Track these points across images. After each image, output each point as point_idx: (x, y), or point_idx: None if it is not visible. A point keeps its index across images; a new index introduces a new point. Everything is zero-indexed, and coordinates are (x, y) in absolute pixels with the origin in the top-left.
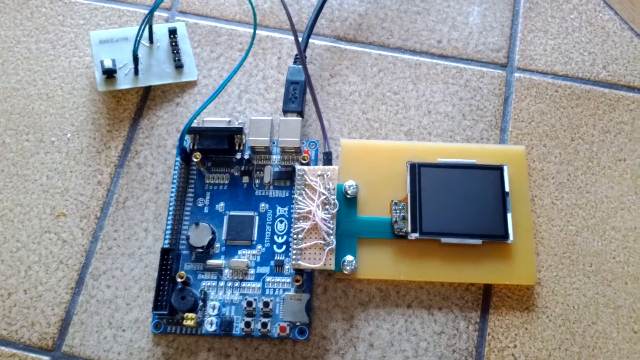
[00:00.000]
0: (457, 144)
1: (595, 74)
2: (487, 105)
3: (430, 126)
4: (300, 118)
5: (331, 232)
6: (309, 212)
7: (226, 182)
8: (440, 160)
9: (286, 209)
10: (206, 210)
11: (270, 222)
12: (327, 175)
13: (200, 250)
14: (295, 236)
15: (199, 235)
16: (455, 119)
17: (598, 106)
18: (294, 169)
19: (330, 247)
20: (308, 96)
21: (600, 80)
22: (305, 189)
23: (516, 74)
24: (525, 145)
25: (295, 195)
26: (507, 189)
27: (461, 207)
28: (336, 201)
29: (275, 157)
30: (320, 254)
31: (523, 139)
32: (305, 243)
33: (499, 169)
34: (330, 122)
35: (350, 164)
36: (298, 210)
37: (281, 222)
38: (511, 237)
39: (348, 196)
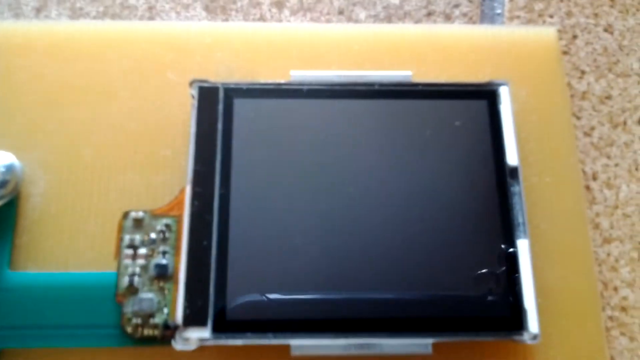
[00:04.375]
0: (355, 26)
1: None
2: None
3: None
4: None
5: None
6: None
7: None
8: (298, 76)
9: None
10: None
11: None
12: None
13: None
14: None
15: None
16: None
17: None
18: None
19: None
20: None
21: None
22: None
23: None
24: (558, 26)
25: None
26: (511, 160)
27: (367, 232)
28: None
29: None
30: None
31: (550, 6)
32: None
33: (486, 96)
34: None
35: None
36: None
37: None
38: (533, 326)
39: None
